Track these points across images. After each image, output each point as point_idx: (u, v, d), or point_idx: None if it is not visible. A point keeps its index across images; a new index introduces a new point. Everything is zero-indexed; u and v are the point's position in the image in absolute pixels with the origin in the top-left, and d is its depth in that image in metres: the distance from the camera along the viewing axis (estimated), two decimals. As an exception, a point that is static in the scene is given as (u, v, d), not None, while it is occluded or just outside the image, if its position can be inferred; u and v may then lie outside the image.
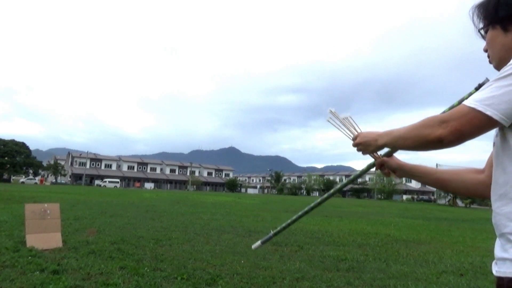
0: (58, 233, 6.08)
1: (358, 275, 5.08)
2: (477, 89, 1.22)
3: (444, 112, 1.27)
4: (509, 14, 1.09)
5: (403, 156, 1.43)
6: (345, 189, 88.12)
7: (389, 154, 1.42)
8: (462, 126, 0.97)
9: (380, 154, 1.44)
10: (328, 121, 1.50)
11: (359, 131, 1.42)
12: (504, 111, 0.94)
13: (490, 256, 1.09)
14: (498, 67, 1.14)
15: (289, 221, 1.79)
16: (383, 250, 7.49)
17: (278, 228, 1.80)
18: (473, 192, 1.31)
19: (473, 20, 1.19)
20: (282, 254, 6.38)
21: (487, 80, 1.21)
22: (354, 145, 1.35)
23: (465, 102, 1.00)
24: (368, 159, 1.46)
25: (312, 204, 1.75)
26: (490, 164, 1.25)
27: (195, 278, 4.46)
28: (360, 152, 1.39)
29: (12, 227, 7.72)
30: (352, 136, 1.41)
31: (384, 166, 1.43)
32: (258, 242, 1.84)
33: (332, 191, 1.85)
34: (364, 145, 1.30)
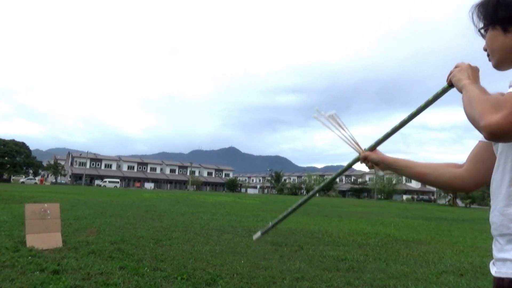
0: (58, 233, 6.08)
1: (358, 275, 5.08)
2: (450, 84, 1.20)
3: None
4: (509, 15, 1.08)
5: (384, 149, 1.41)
6: (345, 189, 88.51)
7: (372, 148, 1.47)
8: None
9: (364, 148, 1.49)
10: (315, 117, 1.56)
11: (344, 128, 1.51)
12: None
13: (490, 256, 1.08)
14: (497, 67, 1.15)
15: (287, 211, 1.82)
16: (383, 250, 7.49)
17: (277, 219, 1.83)
18: (449, 186, 1.32)
19: (473, 20, 1.18)
20: (282, 254, 6.38)
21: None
22: (456, 66, 1.20)
23: None
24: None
25: (306, 196, 1.84)
26: (471, 159, 1.26)
27: (195, 278, 4.46)
28: (339, 133, 1.49)
29: (12, 227, 7.72)
30: (340, 134, 1.51)
31: (368, 160, 1.46)
32: (258, 233, 1.86)
33: (322, 184, 1.94)
34: (457, 76, 1.15)
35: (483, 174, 1.23)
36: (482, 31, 1.17)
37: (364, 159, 1.47)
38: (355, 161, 1.53)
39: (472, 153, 1.26)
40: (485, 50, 1.18)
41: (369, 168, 1.48)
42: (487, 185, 1.17)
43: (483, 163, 1.22)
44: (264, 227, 1.85)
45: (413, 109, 1.35)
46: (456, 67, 1.19)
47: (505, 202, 1.03)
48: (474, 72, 1.14)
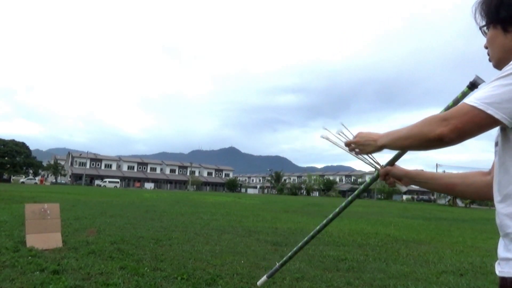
0: (58, 233, 6.08)
1: (358, 275, 5.08)
2: (469, 87, 1.21)
3: (442, 112, 1.27)
4: (510, 15, 1.08)
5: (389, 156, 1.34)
6: (345, 189, 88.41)
7: (391, 163, 1.40)
8: (463, 125, 0.97)
9: (383, 165, 1.41)
10: (323, 137, 1.47)
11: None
12: (505, 110, 0.94)
13: (490, 256, 1.08)
14: (497, 66, 1.15)
15: (294, 249, 1.77)
16: (383, 250, 7.49)
17: (284, 258, 1.77)
18: (482, 195, 1.29)
19: (475, 17, 1.17)
20: (282, 254, 6.38)
21: (477, 77, 1.21)
22: (352, 142, 1.31)
23: (466, 101, 0.99)
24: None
25: (318, 227, 1.74)
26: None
27: (195, 278, 4.46)
28: (353, 153, 1.35)
29: (12, 227, 7.72)
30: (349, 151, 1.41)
31: (389, 176, 1.41)
32: (264, 277, 1.79)
33: (337, 209, 1.72)
34: (363, 144, 1.26)
35: None
36: (484, 29, 1.16)
37: (385, 175, 1.41)
38: (374, 178, 1.45)
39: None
40: (486, 48, 1.17)
41: (389, 185, 1.43)
42: None
43: None
44: (270, 271, 1.77)
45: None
46: (352, 140, 1.30)
47: (505, 203, 1.04)
48: (365, 133, 1.26)
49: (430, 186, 1.38)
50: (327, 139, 1.47)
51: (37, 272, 4.34)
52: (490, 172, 1.27)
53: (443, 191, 1.35)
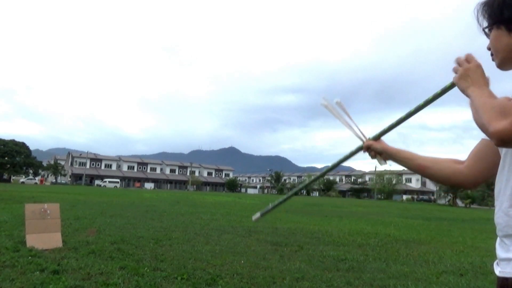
0: (58, 233, 6.08)
1: (358, 275, 5.08)
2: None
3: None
4: None
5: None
6: (345, 189, 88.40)
7: (377, 137, 1.47)
8: None
9: (369, 137, 1.49)
10: (322, 104, 1.58)
11: (350, 116, 1.53)
12: None
13: (490, 256, 1.07)
14: (501, 67, 1.14)
15: (287, 195, 1.84)
16: (383, 250, 7.49)
17: (277, 202, 1.83)
18: (449, 181, 1.32)
19: (477, 18, 1.17)
20: (282, 254, 6.38)
21: None
22: (461, 62, 1.15)
23: None
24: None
25: (306, 182, 1.88)
26: (472, 156, 1.26)
27: (195, 278, 4.46)
28: (345, 122, 1.50)
29: (12, 227, 7.72)
30: (345, 122, 1.53)
31: (371, 149, 1.46)
32: (258, 214, 1.87)
33: (325, 171, 1.87)
34: (462, 74, 1.12)
35: (483, 171, 1.23)
36: (487, 30, 1.15)
37: (367, 148, 1.47)
38: (358, 149, 1.54)
39: (474, 150, 1.26)
40: (489, 49, 1.17)
41: (372, 157, 1.49)
42: (486, 183, 1.18)
43: (484, 161, 1.22)
44: (264, 209, 1.85)
45: (412, 109, 1.35)
46: (457, 62, 1.15)
47: (510, 203, 1.03)
48: (476, 73, 1.10)
49: (405, 165, 1.41)
50: (326, 107, 1.57)
51: (37, 272, 4.34)
52: (463, 162, 1.28)
53: (416, 171, 1.39)
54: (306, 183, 1.86)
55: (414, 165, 1.37)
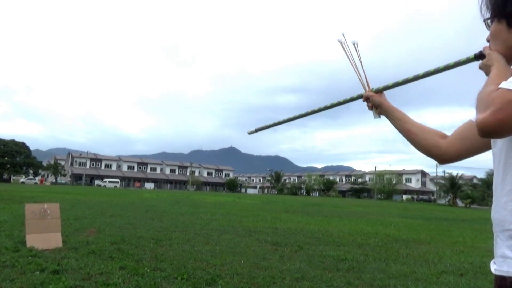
0: (58, 233, 6.08)
1: (358, 275, 5.08)
2: (476, 56, 1.17)
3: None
4: None
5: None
6: (345, 189, 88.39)
7: (378, 91, 1.47)
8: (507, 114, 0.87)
9: (372, 88, 1.49)
10: (338, 41, 1.55)
11: (361, 62, 1.52)
12: None
13: (490, 256, 1.07)
14: None
15: (287, 118, 1.80)
16: (383, 250, 7.49)
17: (275, 122, 1.82)
18: (428, 151, 1.32)
19: (480, 8, 1.15)
20: (282, 254, 6.38)
21: (484, 50, 1.17)
22: (486, 48, 1.16)
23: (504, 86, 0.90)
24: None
25: (309, 111, 1.75)
26: (456, 134, 1.26)
27: (195, 278, 4.46)
28: (355, 67, 1.50)
29: (12, 227, 7.72)
30: (355, 67, 1.52)
31: (370, 100, 1.47)
32: (253, 129, 1.87)
33: (324, 106, 1.72)
34: (488, 61, 1.11)
35: (462, 151, 1.24)
36: (488, 21, 1.14)
37: (367, 98, 1.48)
38: (359, 96, 1.54)
39: (460, 128, 1.26)
40: (488, 41, 1.15)
41: (369, 108, 1.49)
42: (461, 160, 1.25)
43: (467, 140, 1.22)
44: (260, 126, 1.84)
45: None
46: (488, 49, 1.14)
47: (508, 197, 1.01)
48: (501, 60, 1.09)
49: (395, 125, 1.42)
50: (341, 44, 1.55)
51: (37, 272, 4.34)
52: (446, 137, 1.29)
53: (402, 133, 1.39)
54: (308, 112, 1.73)
55: (403, 127, 1.38)
